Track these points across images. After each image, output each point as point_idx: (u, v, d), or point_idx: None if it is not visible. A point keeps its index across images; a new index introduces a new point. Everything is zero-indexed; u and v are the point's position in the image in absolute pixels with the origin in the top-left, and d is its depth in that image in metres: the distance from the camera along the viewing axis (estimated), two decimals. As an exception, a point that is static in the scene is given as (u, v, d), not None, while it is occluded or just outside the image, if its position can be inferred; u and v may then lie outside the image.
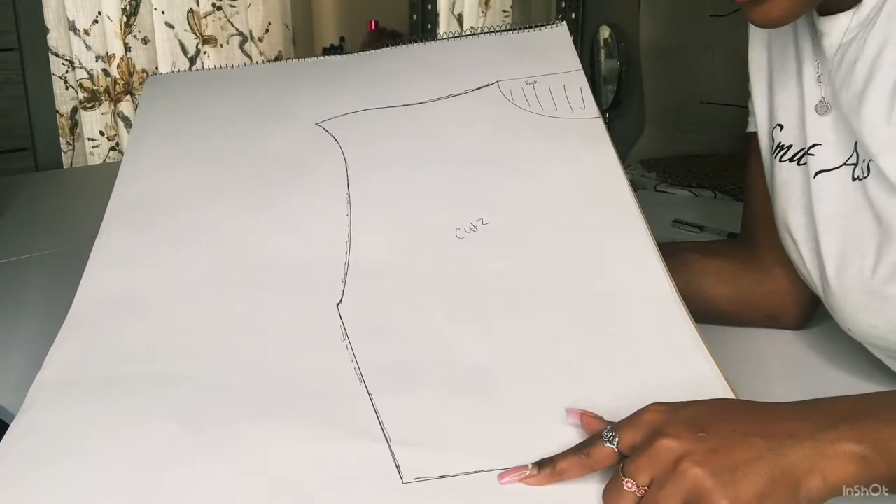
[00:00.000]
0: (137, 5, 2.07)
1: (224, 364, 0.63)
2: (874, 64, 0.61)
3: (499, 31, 0.87)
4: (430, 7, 2.25)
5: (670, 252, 0.68)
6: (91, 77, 2.02)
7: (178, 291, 0.70)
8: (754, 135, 0.77)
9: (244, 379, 0.61)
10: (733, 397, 0.56)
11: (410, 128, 0.79)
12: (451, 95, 0.81)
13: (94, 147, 2.05)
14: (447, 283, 0.67)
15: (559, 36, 0.85)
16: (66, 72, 1.97)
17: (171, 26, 2.17)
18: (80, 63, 2.00)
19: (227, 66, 0.92)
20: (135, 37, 2.08)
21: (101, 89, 2.04)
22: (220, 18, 2.27)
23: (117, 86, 2.07)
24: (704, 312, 0.69)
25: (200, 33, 2.23)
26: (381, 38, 2.20)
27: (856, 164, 0.64)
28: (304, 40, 2.54)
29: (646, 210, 0.70)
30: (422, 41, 0.88)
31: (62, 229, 1.18)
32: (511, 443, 0.54)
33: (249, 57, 2.33)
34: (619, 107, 2.03)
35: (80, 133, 2.03)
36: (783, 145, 0.72)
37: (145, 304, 0.69)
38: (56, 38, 1.92)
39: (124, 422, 0.58)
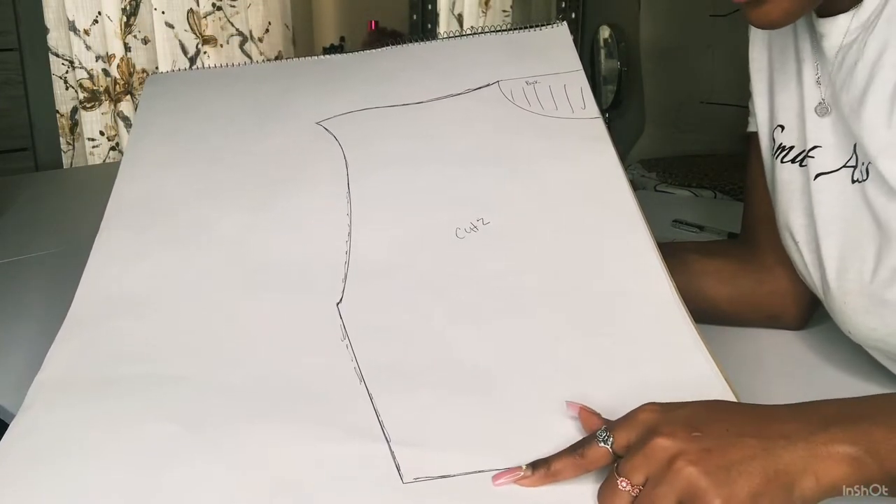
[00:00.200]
0: (137, 5, 2.07)
1: (224, 364, 0.63)
2: (874, 66, 0.61)
3: (499, 31, 0.87)
4: (430, 7, 2.25)
5: (670, 252, 0.68)
6: (91, 77, 2.02)
7: (177, 291, 0.70)
8: (755, 135, 0.77)
9: (244, 379, 0.61)
10: (732, 397, 0.56)
11: (410, 127, 0.79)
12: (452, 95, 0.81)
13: (94, 147, 2.05)
14: (447, 283, 0.67)
15: (559, 36, 0.85)
16: (66, 72, 1.97)
17: (171, 26, 2.17)
18: (80, 63, 2.00)
19: (227, 66, 0.92)
20: (135, 37, 2.08)
21: (101, 89, 2.04)
22: (220, 18, 2.27)
23: (117, 86, 2.07)
24: (704, 312, 0.69)
25: (200, 33, 2.23)
26: (381, 37, 2.20)
27: (855, 167, 0.64)
28: (304, 40, 2.54)
29: (646, 210, 0.70)
30: (422, 41, 0.88)
31: (62, 229, 1.18)
32: (511, 443, 0.54)
33: (249, 57, 2.33)
34: (619, 107, 2.03)
35: (80, 133, 2.03)
36: (784, 146, 0.72)
37: (145, 304, 0.69)
38: (56, 38, 1.92)
39: (124, 422, 0.57)
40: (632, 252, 0.68)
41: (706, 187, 1.61)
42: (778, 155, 0.72)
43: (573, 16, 1.97)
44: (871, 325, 0.64)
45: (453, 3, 2.30)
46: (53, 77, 1.86)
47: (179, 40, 2.19)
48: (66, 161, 1.94)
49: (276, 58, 2.38)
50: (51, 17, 1.89)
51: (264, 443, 0.55)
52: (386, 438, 0.55)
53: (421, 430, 0.56)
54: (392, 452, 0.54)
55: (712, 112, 1.91)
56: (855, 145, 0.64)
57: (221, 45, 2.28)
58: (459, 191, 0.73)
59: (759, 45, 0.76)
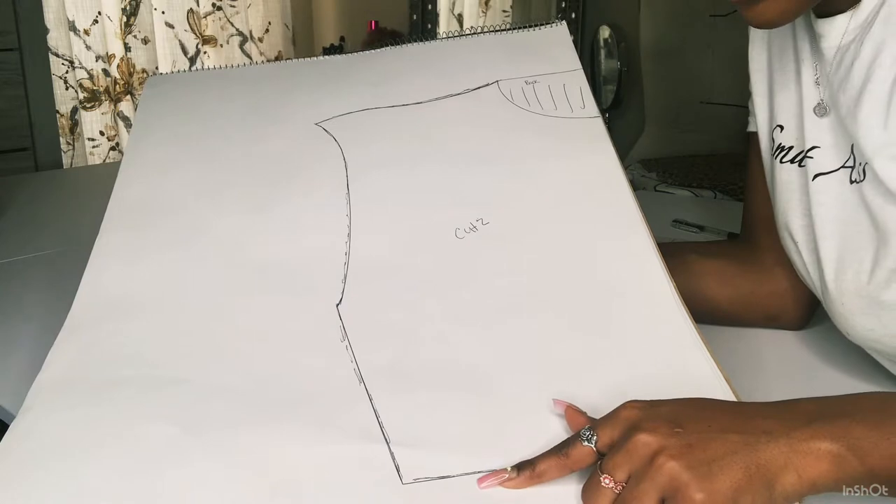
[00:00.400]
0: (137, 5, 2.07)
1: (224, 365, 0.63)
2: (870, 67, 0.61)
3: (498, 31, 0.87)
4: (430, 7, 2.25)
5: (670, 252, 0.68)
6: (91, 77, 2.02)
7: (177, 293, 0.70)
8: (754, 135, 0.77)
9: (244, 380, 0.61)
10: (733, 398, 0.56)
11: (410, 128, 0.79)
12: (451, 95, 0.81)
13: (94, 147, 2.05)
14: (447, 284, 0.67)
15: (559, 35, 0.85)
16: (66, 72, 1.97)
17: (171, 26, 2.17)
18: (80, 63, 2.00)
19: (226, 66, 0.92)
20: (135, 37, 2.08)
21: (101, 89, 2.04)
22: (220, 18, 2.27)
23: (117, 86, 2.07)
24: (704, 312, 0.69)
25: (200, 33, 2.23)
26: (381, 38, 2.20)
27: (853, 168, 0.64)
28: (304, 40, 2.54)
29: (646, 210, 0.70)
30: (422, 41, 0.88)
31: (62, 229, 1.18)
32: (510, 443, 0.54)
33: (249, 57, 2.33)
34: (619, 107, 2.03)
35: (80, 133, 2.03)
36: (784, 146, 0.72)
37: (145, 306, 0.69)
38: (56, 38, 1.92)
39: (124, 423, 0.57)
40: (632, 252, 0.68)
41: (706, 187, 1.61)
42: (777, 155, 0.72)
43: (573, 16, 1.97)
44: (868, 325, 0.64)
45: (453, 3, 2.30)
46: (53, 77, 1.86)
47: (179, 40, 2.19)
48: (66, 161, 1.94)
49: (276, 58, 2.38)
50: (51, 17, 1.89)
51: (264, 444, 0.55)
52: (385, 439, 0.55)
53: (420, 431, 0.56)
54: (392, 453, 0.54)
55: (712, 112, 1.91)
56: (852, 146, 0.64)
57: (221, 45, 2.28)
58: (459, 191, 0.73)
59: (758, 45, 0.76)
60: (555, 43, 0.84)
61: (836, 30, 0.64)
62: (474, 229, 0.70)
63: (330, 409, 0.58)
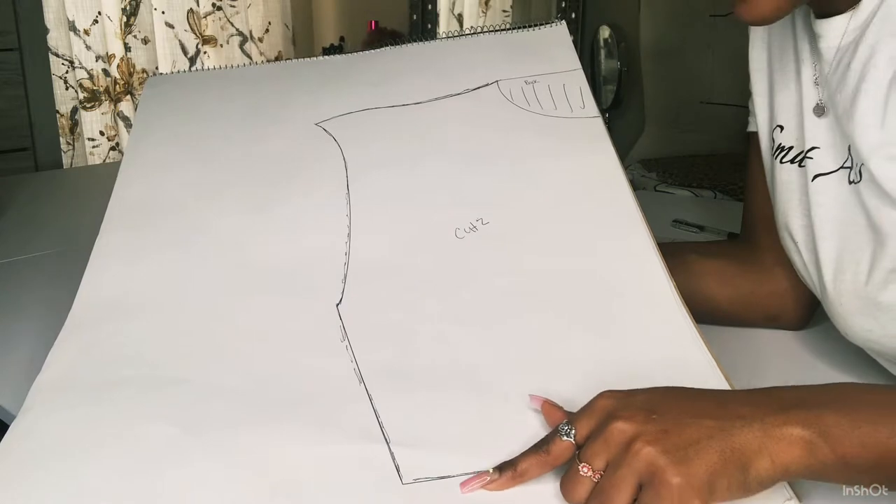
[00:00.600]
0: (137, 5, 2.07)
1: (224, 366, 0.63)
2: (865, 66, 0.61)
3: (498, 31, 0.87)
4: (430, 7, 2.25)
5: (670, 252, 0.68)
6: (91, 77, 2.02)
7: (177, 293, 0.70)
8: (755, 135, 0.77)
9: (244, 380, 0.61)
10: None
11: (409, 128, 0.79)
12: (451, 95, 0.81)
13: (94, 147, 2.05)
14: (447, 284, 0.67)
15: (558, 35, 0.85)
16: (66, 72, 1.97)
17: (171, 26, 2.17)
18: (80, 63, 2.00)
19: (226, 67, 0.92)
20: (135, 37, 2.08)
21: (101, 89, 2.04)
22: (220, 18, 2.27)
23: (117, 86, 2.07)
24: (704, 313, 0.69)
25: (200, 33, 2.23)
26: (381, 38, 2.20)
27: (851, 168, 0.64)
28: (304, 40, 2.54)
29: (646, 210, 0.70)
30: (422, 41, 0.88)
31: (62, 229, 1.17)
32: (510, 443, 0.54)
33: (249, 57, 2.33)
34: (619, 107, 2.03)
35: (80, 133, 2.02)
36: (784, 147, 0.72)
37: (145, 306, 0.69)
38: (56, 38, 1.92)
39: (124, 423, 0.57)
40: (632, 252, 0.68)
41: (706, 187, 1.61)
42: (777, 155, 0.72)
43: (573, 16, 1.97)
44: (866, 326, 0.64)
45: (453, 3, 2.30)
46: (53, 77, 1.85)
47: (179, 40, 2.19)
48: (66, 161, 1.94)
49: (276, 58, 2.37)
50: (51, 17, 1.89)
51: (264, 444, 0.55)
52: (385, 439, 0.55)
53: (421, 431, 0.56)
54: (392, 453, 0.54)
55: (712, 112, 1.91)
56: (850, 147, 0.64)
57: (221, 45, 2.28)
58: (459, 191, 0.73)
59: (758, 45, 0.76)
60: (554, 43, 0.84)
61: (835, 30, 0.64)
62: (474, 229, 0.70)
63: (330, 409, 0.58)
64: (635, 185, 1.43)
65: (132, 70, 2.09)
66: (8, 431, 0.58)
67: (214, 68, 0.95)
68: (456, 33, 0.89)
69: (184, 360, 0.64)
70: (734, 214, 0.91)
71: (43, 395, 0.61)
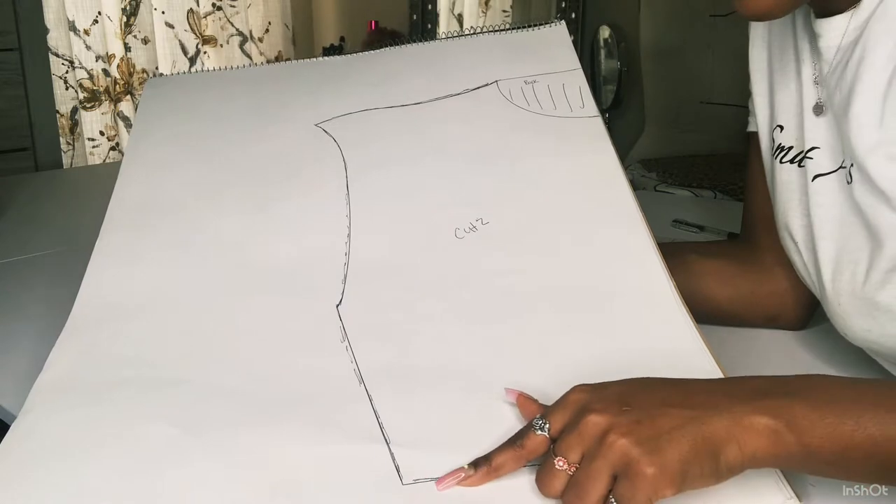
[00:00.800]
0: (137, 5, 2.07)
1: (224, 366, 0.63)
2: (860, 65, 0.61)
3: (498, 31, 0.87)
4: (430, 7, 2.25)
5: (670, 252, 0.68)
6: (91, 77, 2.02)
7: (178, 294, 0.70)
8: (755, 135, 0.77)
9: (244, 381, 0.61)
10: None
11: (409, 128, 0.79)
12: (451, 95, 0.81)
13: (94, 147, 2.05)
14: (447, 284, 0.67)
15: (558, 35, 0.85)
16: (66, 72, 1.97)
17: (171, 26, 2.17)
18: (80, 63, 2.00)
19: (226, 67, 0.92)
20: (135, 37, 2.08)
21: (101, 89, 2.04)
22: (220, 18, 2.26)
23: (117, 86, 2.07)
24: (704, 312, 0.69)
25: (200, 33, 2.23)
26: (381, 38, 2.20)
27: (846, 169, 0.64)
28: (304, 40, 2.54)
29: (646, 210, 0.70)
30: (422, 41, 0.88)
31: (62, 229, 1.17)
32: (511, 443, 0.54)
33: (249, 57, 2.33)
34: (619, 107, 2.03)
35: (80, 133, 2.02)
36: (783, 146, 0.72)
37: (145, 306, 0.69)
38: (56, 38, 1.92)
39: (125, 424, 0.57)
40: (632, 252, 0.68)
41: (706, 187, 1.61)
42: (777, 155, 0.72)
43: (573, 16, 1.97)
44: (865, 326, 0.64)
45: (453, 3, 2.30)
46: (53, 77, 1.85)
47: (179, 40, 2.19)
48: (66, 161, 1.94)
49: (276, 58, 2.37)
50: (51, 17, 1.88)
51: (264, 445, 0.55)
52: (385, 440, 0.55)
53: (421, 432, 0.56)
54: (392, 454, 0.54)
55: (712, 112, 1.91)
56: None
57: (221, 45, 2.28)
58: (458, 191, 0.73)
59: (758, 44, 0.76)
60: (554, 43, 0.84)
61: (835, 30, 0.64)
62: (474, 229, 0.70)
63: (330, 409, 0.58)
64: (635, 185, 1.43)
65: (132, 70, 2.09)
66: (8, 432, 0.58)
67: (214, 69, 0.95)
68: (456, 33, 0.89)
69: (184, 360, 0.64)
70: (734, 214, 0.91)
71: (43, 395, 0.61)
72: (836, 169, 0.65)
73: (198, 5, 2.22)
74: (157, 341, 0.66)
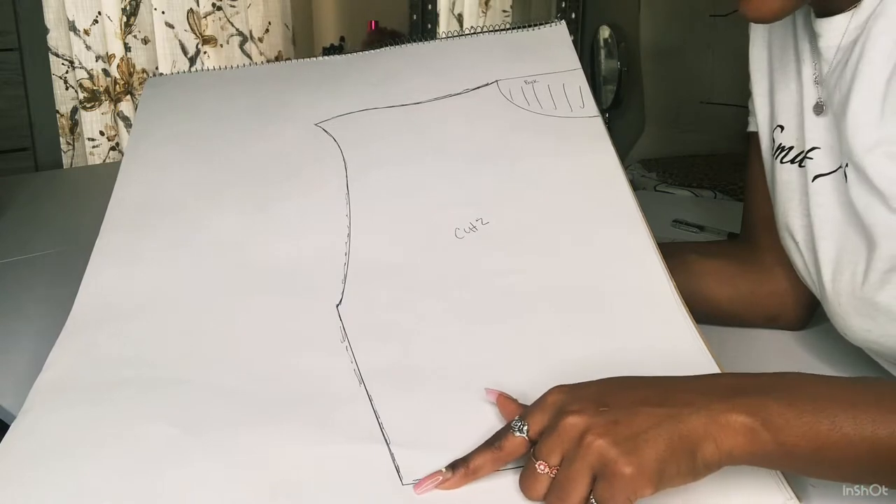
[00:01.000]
0: (137, 5, 2.07)
1: (224, 366, 0.63)
2: (859, 64, 0.61)
3: (498, 31, 0.87)
4: (430, 7, 2.25)
5: (670, 252, 0.68)
6: (91, 77, 2.02)
7: (177, 294, 0.70)
8: (755, 135, 0.77)
9: (244, 381, 0.61)
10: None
11: (409, 128, 0.79)
12: (451, 95, 0.81)
13: (94, 147, 2.05)
14: (447, 284, 0.67)
15: (558, 35, 0.85)
16: (66, 72, 1.97)
17: (171, 26, 2.17)
18: (80, 63, 2.00)
19: (226, 67, 0.92)
20: (135, 37, 2.08)
21: (101, 89, 2.04)
22: (220, 18, 2.27)
23: (117, 86, 2.07)
24: (704, 312, 0.69)
25: (200, 33, 2.23)
26: (381, 38, 2.20)
27: (843, 168, 0.64)
28: (304, 40, 2.54)
29: (646, 210, 0.70)
30: (422, 41, 0.88)
31: (62, 229, 1.17)
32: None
33: (249, 57, 2.33)
34: (619, 107, 2.03)
35: (80, 133, 2.03)
36: (784, 146, 0.72)
37: (145, 306, 0.69)
38: (56, 38, 1.92)
39: (124, 424, 0.57)
40: (632, 252, 0.68)
41: (706, 187, 1.61)
42: (778, 155, 0.72)
43: (573, 16, 1.97)
44: (864, 326, 0.64)
45: (453, 3, 2.30)
46: (53, 77, 1.85)
47: (179, 40, 2.19)
48: (66, 161, 1.94)
49: (276, 58, 2.37)
50: (51, 17, 1.89)
51: (264, 445, 0.55)
52: (385, 440, 0.55)
53: (421, 432, 0.56)
54: (392, 453, 0.54)
55: (712, 112, 1.91)
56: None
57: (221, 45, 2.28)
58: (458, 191, 0.73)
59: (759, 44, 0.76)
60: (554, 42, 0.84)
61: (835, 30, 0.64)
62: (474, 229, 0.70)
63: (330, 409, 0.58)
64: (635, 185, 1.43)
65: (132, 70, 2.09)
66: (8, 431, 0.58)
67: (214, 68, 0.95)
68: (456, 33, 0.89)
69: (184, 360, 0.64)
70: (734, 214, 0.91)
71: (43, 395, 0.61)
72: (835, 169, 0.65)
73: (198, 5, 2.22)
74: (157, 341, 0.66)
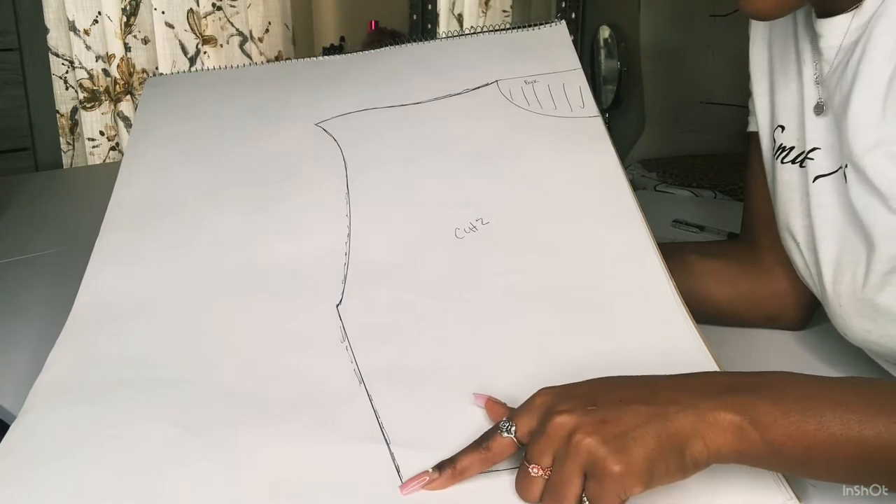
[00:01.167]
0: (137, 5, 2.07)
1: (224, 366, 0.63)
2: (860, 65, 0.61)
3: (498, 31, 0.87)
4: (430, 7, 2.25)
5: (670, 252, 0.68)
6: (91, 77, 2.02)
7: (177, 294, 0.70)
8: (755, 135, 0.77)
9: (244, 381, 0.61)
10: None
11: (409, 128, 0.79)
12: (451, 95, 0.81)
13: (94, 147, 2.05)
14: (447, 284, 0.67)
15: (558, 35, 0.85)
16: (66, 72, 1.97)
17: (171, 26, 2.17)
18: (80, 63, 2.00)
19: (226, 67, 0.92)
20: (135, 37, 2.08)
21: (101, 89, 2.04)
22: (220, 18, 2.26)
23: (117, 86, 2.07)
24: (704, 313, 0.69)
25: (200, 33, 2.23)
26: (381, 38, 2.20)
27: (843, 169, 0.64)
28: (304, 40, 2.54)
29: (646, 210, 0.70)
30: (422, 41, 0.88)
31: (62, 229, 1.17)
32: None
33: (249, 57, 2.33)
34: (619, 107, 2.03)
35: (80, 133, 2.02)
36: (784, 147, 0.72)
37: (145, 306, 0.69)
38: (56, 38, 1.92)
39: (125, 424, 0.57)
40: (632, 252, 0.68)
41: (706, 187, 1.61)
42: (778, 155, 0.72)
43: (573, 16, 1.97)
44: (865, 327, 0.64)
45: (453, 3, 2.30)
46: (53, 77, 1.85)
47: (179, 40, 2.19)
48: (66, 161, 1.94)
49: (276, 58, 2.37)
50: (51, 17, 1.88)
51: (264, 445, 0.55)
52: (385, 440, 0.55)
53: (421, 432, 0.56)
54: (392, 453, 0.54)
55: (712, 112, 1.91)
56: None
57: (221, 45, 2.28)
58: (458, 191, 0.73)
59: (759, 44, 0.76)
60: (554, 42, 0.84)
61: (836, 30, 0.64)
62: (474, 229, 0.70)
63: (330, 409, 0.58)
64: (635, 185, 1.43)
65: (132, 70, 2.09)
66: (8, 431, 0.58)
67: (214, 68, 0.95)
68: (456, 33, 0.89)
69: (184, 360, 0.64)
70: (734, 214, 0.91)
71: (43, 395, 0.61)
72: (836, 170, 0.65)
73: (198, 5, 2.21)
74: (157, 341, 0.66)
